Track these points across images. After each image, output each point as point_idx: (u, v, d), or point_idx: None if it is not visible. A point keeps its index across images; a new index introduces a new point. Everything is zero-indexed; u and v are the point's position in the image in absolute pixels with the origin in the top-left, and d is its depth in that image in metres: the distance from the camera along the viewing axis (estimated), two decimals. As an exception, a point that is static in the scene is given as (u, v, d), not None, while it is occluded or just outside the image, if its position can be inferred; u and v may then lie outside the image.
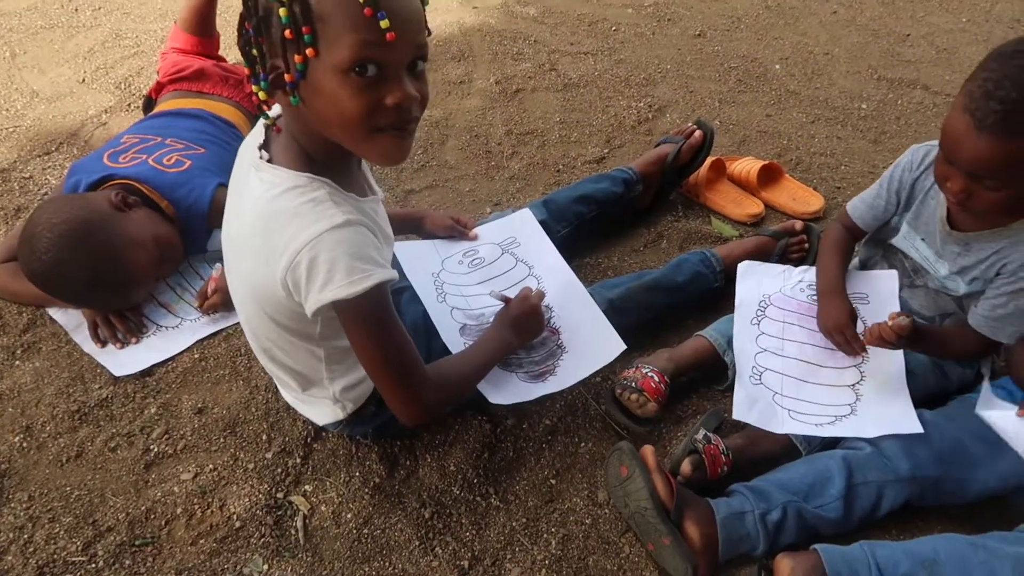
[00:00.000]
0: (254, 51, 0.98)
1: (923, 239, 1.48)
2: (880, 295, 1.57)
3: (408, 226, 1.69)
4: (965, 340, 1.41)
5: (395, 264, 1.55)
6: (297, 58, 0.94)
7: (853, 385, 1.45)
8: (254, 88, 1.00)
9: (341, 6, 0.91)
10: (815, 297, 1.63)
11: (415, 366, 1.15)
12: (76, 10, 2.82)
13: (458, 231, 1.66)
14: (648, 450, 1.28)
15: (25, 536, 1.29)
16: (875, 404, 1.42)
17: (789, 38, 2.88)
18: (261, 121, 1.12)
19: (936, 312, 1.53)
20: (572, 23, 2.91)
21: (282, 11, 0.91)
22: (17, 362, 1.58)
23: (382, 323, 1.10)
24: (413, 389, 1.15)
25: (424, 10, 0.99)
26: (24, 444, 1.43)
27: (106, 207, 1.59)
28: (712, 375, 1.55)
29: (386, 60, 0.94)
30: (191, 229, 1.77)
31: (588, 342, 1.47)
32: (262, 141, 1.12)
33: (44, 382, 1.55)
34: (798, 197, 2.06)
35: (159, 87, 2.13)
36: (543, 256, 1.62)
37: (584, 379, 1.42)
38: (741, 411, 1.42)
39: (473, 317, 1.48)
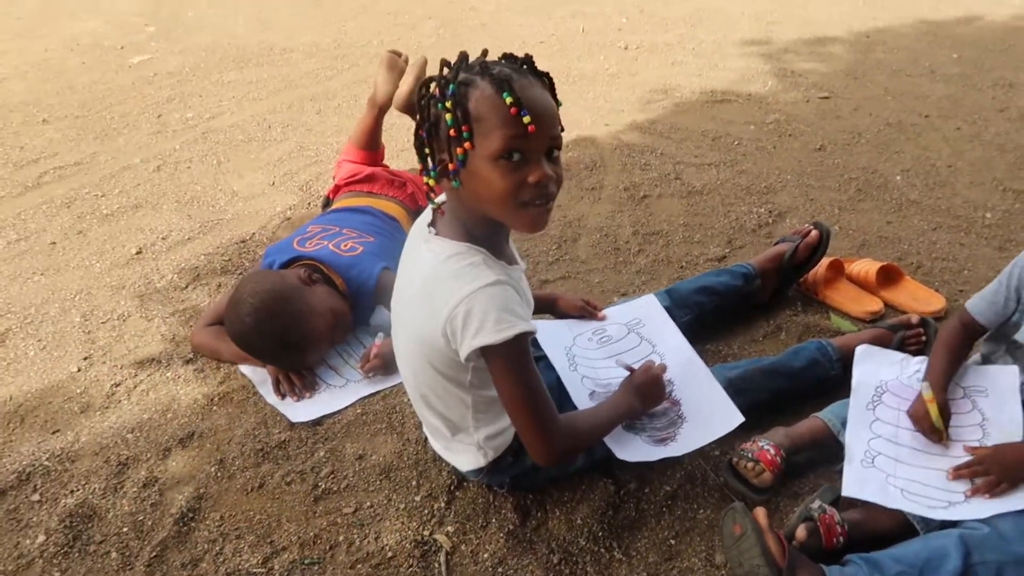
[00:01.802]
0: (426, 149, 1.25)
1: None
2: (999, 390, 1.60)
3: (543, 306, 1.90)
4: None
5: (532, 340, 1.77)
6: (459, 150, 1.19)
7: None
8: (425, 179, 1.26)
9: (493, 108, 1.17)
10: None
11: (549, 411, 1.33)
12: (269, 127, 3.35)
13: (588, 312, 1.86)
14: (760, 511, 1.37)
15: (217, 548, 1.53)
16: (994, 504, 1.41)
17: (910, 152, 2.99)
18: (430, 206, 1.39)
19: None
20: (696, 138, 3.16)
21: (448, 116, 1.18)
22: (215, 407, 1.88)
23: (524, 368, 1.29)
24: (547, 430, 1.32)
25: (558, 109, 1.24)
26: (218, 473, 1.70)
27: (295, 282, 1.90)
28: (828, 455, 1.62)
29: (528, 148, 1.19)
30: (359, 304, 2.06)
31: (708, 413, 1.59)
32: (430, 220, 1.38)
33: (235, 424, 1.83)
34: (919, 297, 2.13)
35: (336, 189, 2.52)
36: (666, 336, 1.78)
37: (703, 446, 1.54)
38: (851, 488, 1.47)
39: (601, 385, 1.65)
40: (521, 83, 1.18)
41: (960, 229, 2.48)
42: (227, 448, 1.76)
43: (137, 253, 2.49)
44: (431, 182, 1.26)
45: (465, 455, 1.54)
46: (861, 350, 1.78)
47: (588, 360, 1.74)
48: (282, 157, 3.09)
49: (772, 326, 2.07)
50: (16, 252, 2.52)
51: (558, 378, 1.65)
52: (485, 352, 1.26)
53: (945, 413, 1.55)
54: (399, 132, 3.05)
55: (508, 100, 1.15)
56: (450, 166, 1.21)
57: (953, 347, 1.65)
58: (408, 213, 2.42)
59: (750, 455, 1.55)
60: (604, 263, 2.38)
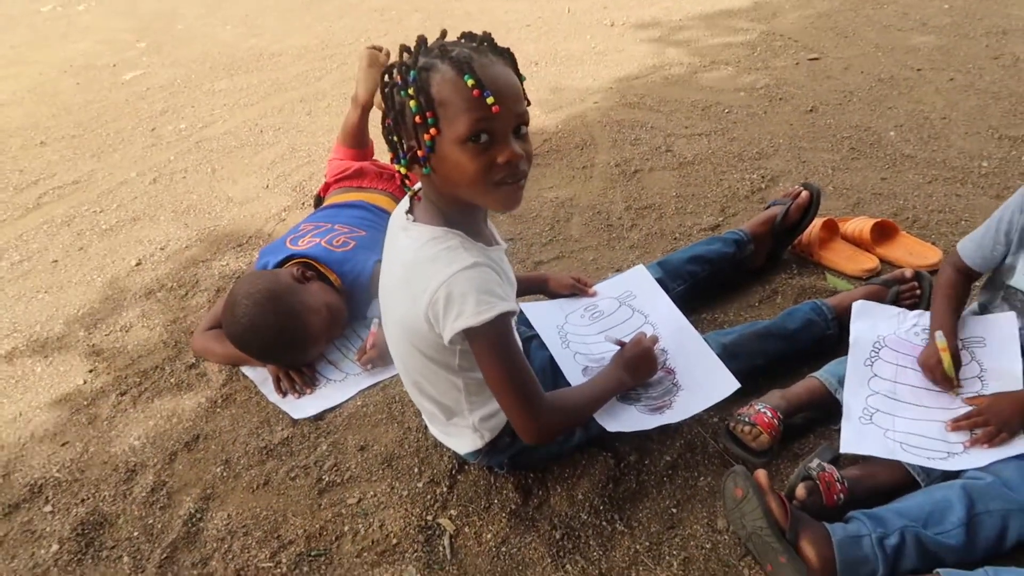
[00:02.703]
0: (394, 138, 1.25)
1: None
2: (998, 338, 1.59)
3: (535, 287, 1.90)
4: None
5: (524, 321, 1.77)
6: (426, 136, 1.19)
7: None
8: (396, 168, 1.27)
9: (456, 92, 1.16)
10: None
11: (534, 389, 1.34)
12: (261, 132, 3.37)
13: (579, 289, 1.86)
14: (761, 472, 1.37)
15: (225, 546, 1.55)
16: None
17: (903, 107, 2.95)
18: (407, 194, 1.39)
19: None
20: (686, 109, 3.14)
21: (411, 103, 1.17)
22: (218, 409, 1.91)
23: (506, 348, 1.29)
24: (532, 408, 1.33)
25: (522, 85, 1.24)
26: (224, 473, 1.72)
27: (289, 280, 1.92)
28: (827, 415, 1.62)
29: (494, 128, 1.19)
30: (355, 298, 2.07)
31: (702, 381, 1.59)
32: (408, 207, 1.38)
33: (239, 425, 1.85)
34: (915, 251, 2.11)
35: (327, 187, 2.53)
36: (658, 306, 1.78)
37: (699, 413, 1.54)
38: (850, 444, 1.47)
39: (595, 360, 1.66)
40: (481, 63, 1.17)
41: (956, 180, 2.45)
42: (232, 448, 1.79)
43: (137, 265, 2.52)
44: (402, 170, 1.27)
45: (462, 438, 1.55)
46: (858, 306, 1.77)
47: (580, 337, 1.74)
48: (275, 160, 3.11)
49: (768, 290, 2.06)
50: (20, 272, 2.56)
51: (551, 358, 1.66)
52: (467, 334, 1.27)
53: (956, 360, 1.55)
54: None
55: (470, 83, 1.15)
56: (419, 152, 1.22)
57: (952, 293, 1.64)
58: (397, 203, 2.42)
59: (747, 419, 1.56)
60: (598, 240, 2.38)
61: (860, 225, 2.16)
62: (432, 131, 1.18)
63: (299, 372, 1.94)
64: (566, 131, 3.07)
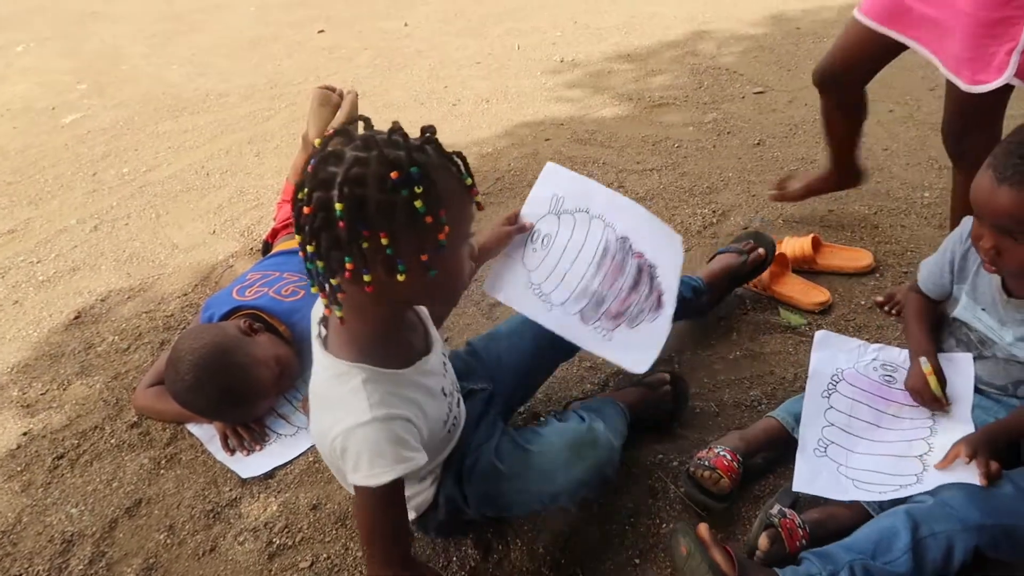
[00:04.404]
0: (325, 259, 1.08)
1: (983, 309, 1.54)
2: (955, 377, 1.59)
3: (489, 254, 1.64)
4: None
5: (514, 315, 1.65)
6: (441, 236, 1.09)
7: (921, 456, 1.48)
8: (327, 301, 1.12)
9: (459, 187, 1.13)
10: (888, 377, 1.69)
11: (395, 552, 1.26)
12: (207, 175, 3.29)
13: (513, 229, 1.62)
14: (703, 527, 1.34)
15: (169, 620, 1.47)
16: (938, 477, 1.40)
17: (847, 139, 3.01)
18: (323, 308, 1.25)
19: (1008, 381, 1.55)
20: (637, 144, 3.17)
21: (418, 203, 1.05)
22: (162, 471, 1.82)
23: (383, 512, 1.23)
24: (385, 569, 1.25)
25: None
26: (168, 540, 1.64)
27: (236, 333, 1.85)
28: (786, 455, 1.60)
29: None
30: (305, 349, 2.00)
31: (666, 249, 1.60)
32: (321, 318, 1.28)
33: (184, 487, 1.77)
34: (851, 256, 2.29)
35: (275, 233, 2.47)
36: (593, 197, 1.62)
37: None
38: (802, 483, 1.46)
39: (580, 296, 1.54)
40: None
41: (900, 211, 2.50)
42: (176, 512, 1.70)
43: (75, 318, 2.42)
44: (338, 311, 1.12)
45: None
46: (820, 336, 1.79)
47: (551, 281, 1.57)
48: (222, 204, 3.04)
49: (724, 327, 2.06)
50: (-51, 329, 2.44)
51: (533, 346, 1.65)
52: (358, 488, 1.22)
53: (941, 379, 1.55)
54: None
55: (468, 181, 1.14)
56: (422, 258, 1.10)
57: (922, 315, 1.67)
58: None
59: (707, 463, 1.54)
60: (552, 280, 2.35)
61: (800, 244, 2.24)
62: (446, 229, 1.10)
63: (248, 428, 1.87)
64: (518, 169, 3.07)
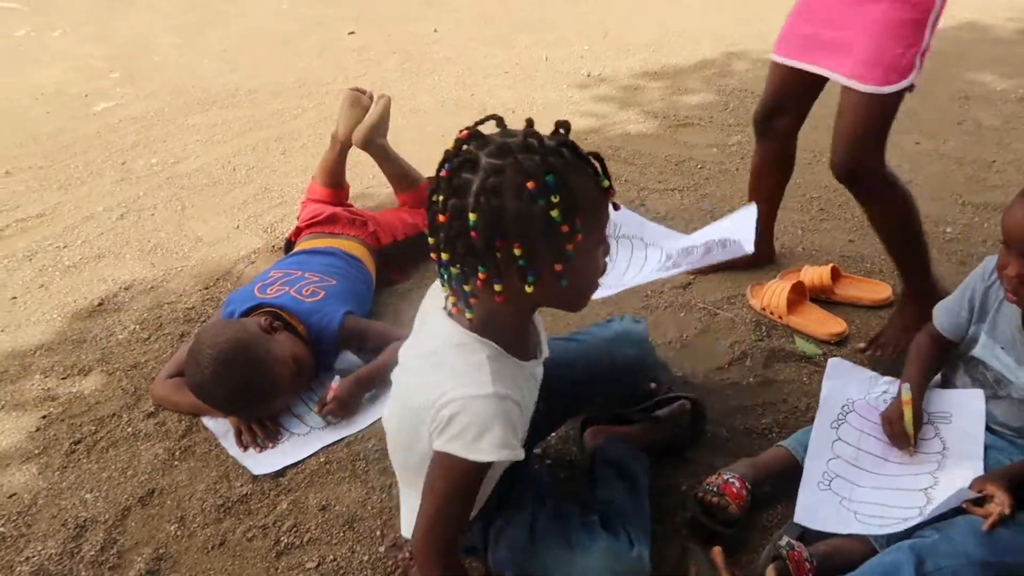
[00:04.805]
0: (467, 261, 1.09)
1: (1002, 347, 1.54)
2: (965, 416, 1.59)
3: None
4: None
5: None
6: (569, 247, 1.07)
7: (926, 489, 1.48)
8: (458, 299, 1.14)
9: (596, 191, 1.11)
10: None
11: (451, 536, 1.23)
12: (234, 170, 3.34)
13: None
14: (717, 550, 1.35)
15: (177, 611, 1.50)
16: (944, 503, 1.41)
17: (871, 169, 3.01)
18: (449, 301, 1.19)
19: (1023, 423, 1.55)
20: (660, 163, 3.18)
21: (554, 212, 1.05)
22: (176, 462, 1.85)
23: (461, 492, 1.19)
24: (436, 549, 1.21)
25: None
26: (178, 532, 1.66)
27: (256, 330, 1.88)
28: (795, 484, 1.61)
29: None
30: (322, 350, 2.04)
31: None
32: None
33: (196, 479, 1.79)
34: (869, 288, 2.29)
35: (298, 231, 2.51)
36: (645, 227, 1.86)
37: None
38: (804, 516, 1.47)
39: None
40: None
41: (921, 245, 2.49)
42: (188, 505, 1.73)
43: (99, 305, 2.45)
44: (530, 288, 1.09)
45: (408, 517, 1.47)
46: (833, 363, 1.80)
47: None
48: (247, 200, 3.08)
49: (737, 352, 2.07)
50: (-25, 309, 2.48)
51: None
52: (445, 454, 1.18)
53: (918, 419, 1.56)
54: (364, 169, 3.05)
55: (605, 184, 1.12)
56: (556, 267, 1.09)
57: (926, 356, 1.67)
58: (370, 251, 2.41)
59: (715, 489, 1.54)
60: (570, 295, 2.37)
61: (818, 273, 2.25)
62: (579, 237, 1.09)
63: (261, 425, 1.90)
64: (541, 181, 3.08)
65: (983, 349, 1.58)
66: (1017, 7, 4.77)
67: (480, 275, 1.08)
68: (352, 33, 5.17)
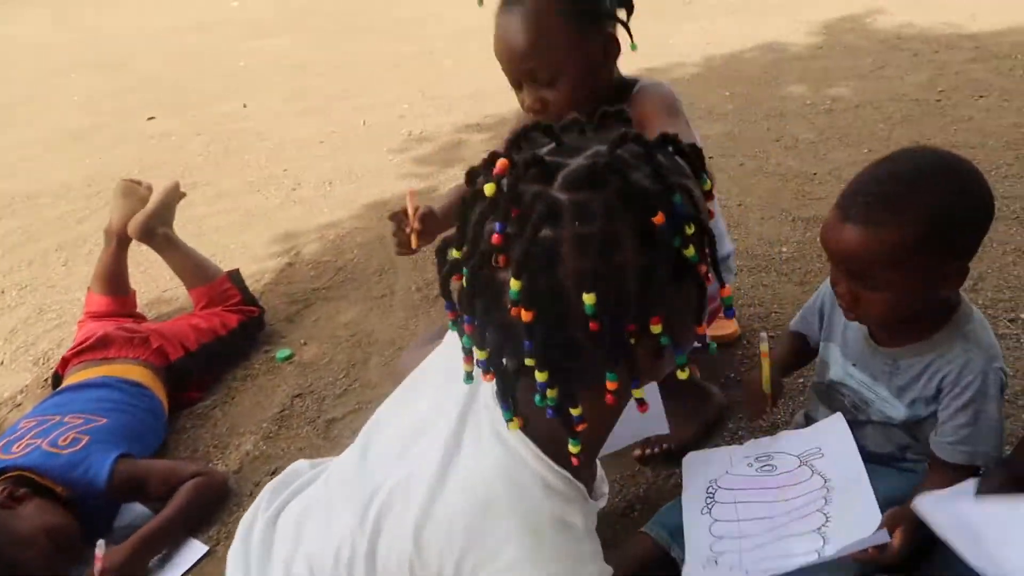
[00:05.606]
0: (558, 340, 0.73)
1: (854, 364, 1.44)
2: (833, 442, 1.47)
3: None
4: (943, 481, 1.27)
5: None
6: (707, 277, 0.79)
7: (819, 528, 1.33)
8: (611, 385, 0.75)
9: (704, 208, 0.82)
10: (766, 467, 1.54)
11: None
12: (2, 292, 2.85)
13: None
14: None
15: None
16: (842, 538, 1.28)
17: (701, 196, 2.95)
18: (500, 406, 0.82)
19: (892, 447, 1.45)
20: (490, 219, 2.98)
21: (689, 250, 0.74)
22: None
23: None
24: None
25: None
26: None
27: (-11, 508, 1.48)
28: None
29: None
30: (91, 510, 1.65)
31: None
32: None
33: None
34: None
35: (65, 362, 2.09)
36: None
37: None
38: None
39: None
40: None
41: (760, 269, 2.41)
42: None
43: None
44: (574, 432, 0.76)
45: None
46: (688, 459, 1.61)
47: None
48: (16, 327, 2.61)
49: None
50: None
51: None
52: None
53: (776, 383, 1.48)
54: (160, 270, 2.65)
55: (708, 186, 0.83)
56: (699, 331, 0.79)
57: (789, 340, 1.61)
58: (156, 372, 2.04)
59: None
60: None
61: None
62: (710, 279, 0.79)
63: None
64: (363, 256, 2.82)
65: (837, 368, 1.48)
66: (813, 22, 5.02)
67: (610, 386, 0.73)
68: (152, 118, 4.75)
